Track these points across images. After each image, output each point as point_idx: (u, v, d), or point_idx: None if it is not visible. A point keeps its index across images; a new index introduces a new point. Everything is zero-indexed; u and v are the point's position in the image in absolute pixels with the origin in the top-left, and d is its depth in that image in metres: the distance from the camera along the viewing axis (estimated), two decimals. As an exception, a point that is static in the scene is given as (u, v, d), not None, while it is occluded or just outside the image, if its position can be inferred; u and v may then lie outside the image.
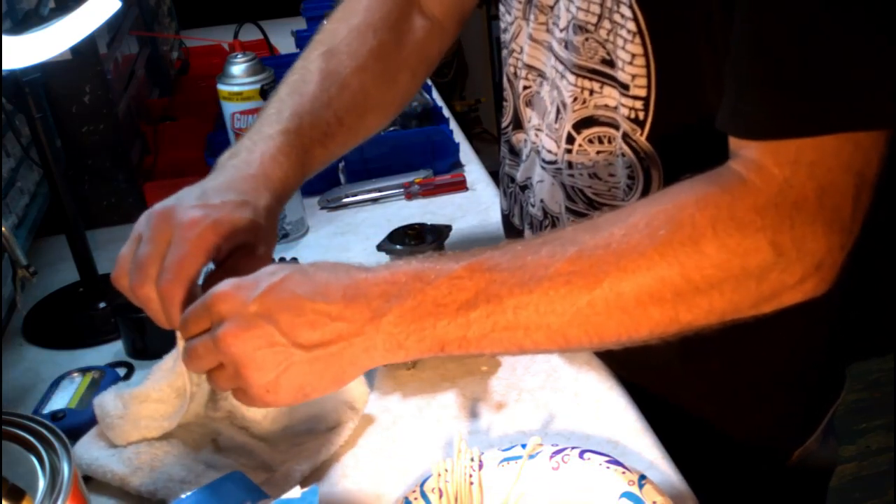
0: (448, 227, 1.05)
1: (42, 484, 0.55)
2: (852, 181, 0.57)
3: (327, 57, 0.86)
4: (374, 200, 1.27)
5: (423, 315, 0.60)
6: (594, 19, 0.70)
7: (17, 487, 0.53)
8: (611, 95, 0.72)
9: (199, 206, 0.68)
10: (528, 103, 0.85)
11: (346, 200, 1.27)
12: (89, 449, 0.78)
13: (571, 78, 0.74)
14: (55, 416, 0.82)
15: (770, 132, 0.58)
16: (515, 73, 0.86)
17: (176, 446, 0.78)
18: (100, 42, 1.19)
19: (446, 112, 1.51)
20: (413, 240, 1.02)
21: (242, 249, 0.72)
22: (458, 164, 1.36)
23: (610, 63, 0.71)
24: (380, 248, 1.04)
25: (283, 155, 0.77)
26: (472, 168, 1.35)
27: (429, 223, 1.05)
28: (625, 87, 0.70)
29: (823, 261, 0.59)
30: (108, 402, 0.79)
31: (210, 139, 1.33)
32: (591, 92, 0.73)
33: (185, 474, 0.76)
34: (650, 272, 0.58)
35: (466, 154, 1.39)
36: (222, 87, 1.10)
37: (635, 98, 0.70)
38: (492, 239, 1.07)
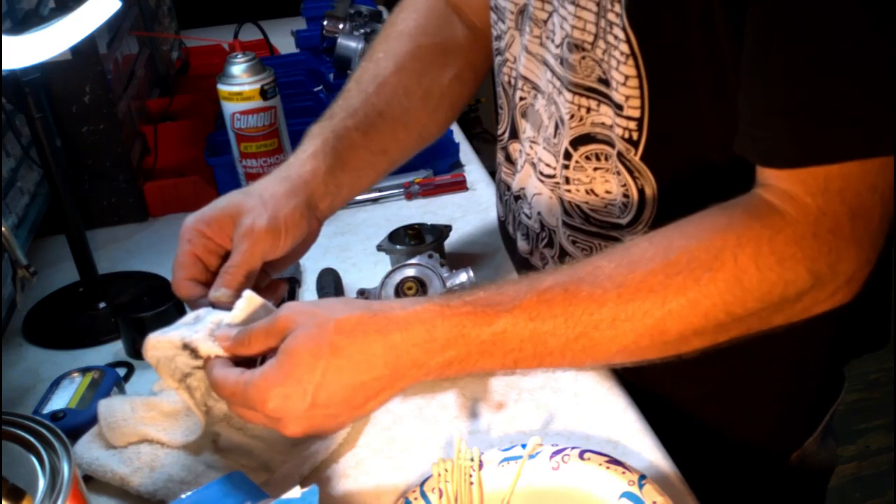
0: (448, 227, 1.05)
1: (42, 484, 0.55)
2: (878, 200, 0.59)
3: (365, 64, 0.90)
4: (374, 200, 1.27)
5: (471, 363, 0.64)
6: (590, 38, 0.70)
7: (17, 487, 0.53)
8: (607, 114, 0.72)
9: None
10: (524, 115, 0.85)
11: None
12: (89, 449, 0.78)
13: (568, 95, 0.74)
14: (55, 416, 0.82)
15: (797, 160, 0.59)
16: (510, 83, 0.86)
17: (176, 447, 0.78)
18: (100, 42, 1.19)
19: (446, 112, 1.51)
20: (413, 240, 1.02)
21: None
22: (458, 164, 1.36)
23: (605, 82, 0.71)
24: (380, 248, 1.04)
25: (313, 155, 0.81)
26: (472, 168, 1.35)
27: (429, 223, 1.05)
28: (619, 107, 0.70)
29: (854, 276, 0.62)
30: (115, 404, 0.79)
31: (210, 139, 1.33)
32: (588, 110, 0.73)
33: (185, 475, 0.76)
34: (695, 310, 0.61)
35: (466, 154, 1.39)
36: (222, 87, 1.10)
37: (629, 118, 0.70)
38: (491, 239, 1.07)
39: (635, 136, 0.70)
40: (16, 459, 0.56)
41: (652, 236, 0.64)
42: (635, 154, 0.71)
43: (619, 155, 0.72)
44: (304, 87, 1.55)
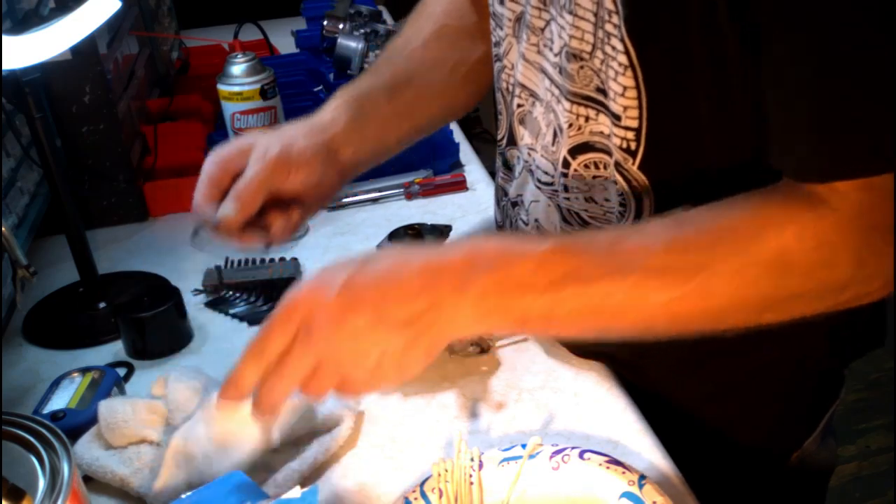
0: (448, 227, 1.05)
1: (42, 484, 0.55)
2: None
3: (393, 41, 0.94)
4: (374, 200, 1.27)
5: (510, 289, 0.61)
6: (588, 48, 0.69)
7: (17, 487, 0.53)
8: (605, 123, 0.72)
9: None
10: (521, 122, 0.84)
11: (346, 200, 1.27)
12: (89, 449, 0.78)
13: (566, 104, 0.74)
14: (55, 416, 0.82)
15: (838, 175, 0.59)
16: (508, 90, 0.86)
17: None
18: (100, 42, 1.19)
19: (446, 112, 1.51)
20: (413, 240, 1.02)
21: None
22: (458, 164, 1.36)
23: (604, 92, 0.70)
24: (380, 248, 1.04)
25: (335, 108, 0.86)
26: (472, 168, 1.35)
27: (429, 223, 1.05)
28: (616, 117, 0.70)
29: (892, 274, 0.61)
30: (116, 405, 0.79)
31: (210, 139, 1.33)
32: (587, 119, 0.73)
33: (185, 475, 0.75)
34: (741, 279, 0.61)
35: (466, 154, 1.39)
36: (222, 87, 1.10)
37: (627, 129, 0.69)
38: (492, 239, 1.07)
39: (633, 146, 0.70)
40: (16, 459, 0.56)
41: (699, 209, 0.64)
42: (633, 164, 0.71)
43: (617, 164, 0.72)
44: (304, 87, 1.55)
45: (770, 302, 0.62)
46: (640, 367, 0.87)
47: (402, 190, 1.27)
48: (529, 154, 0.84)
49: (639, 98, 0.67)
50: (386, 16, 1.95)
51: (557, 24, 0.73)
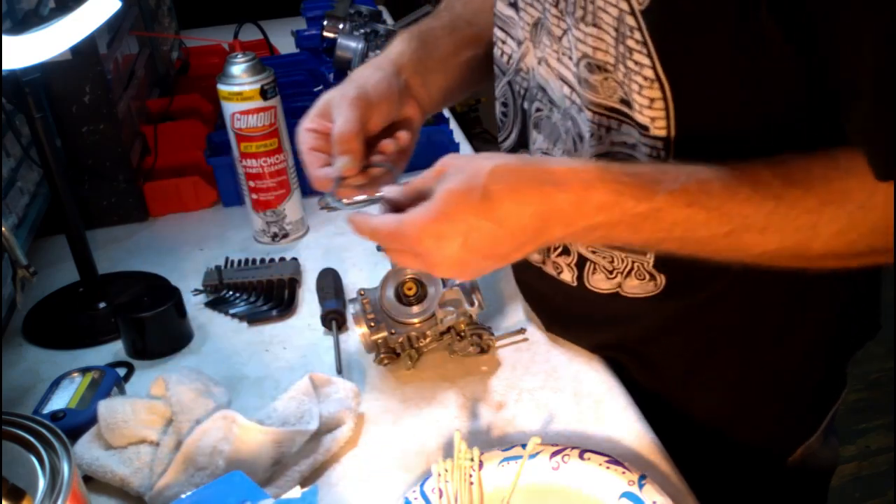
0: (448, 227, 1.05)
1: (42, 484, 0.55)
2: None
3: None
4: (374, 201, 1.27)
5: (618, 234, 0.65)
6: (612, 60, 0.69)
7: (17, 487, 0.53)
8: (629, 134, 0.72)
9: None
10: (537, 126, 0.84)
11: (346, 200, 1.27)
12: (89, 449, 0.78)
13: (588, 114, 0.74)
14: (55, 416, 0.82)
15: None
16: (520, 93, 0.86)
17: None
18: (100, 42, 1.19)
19: (446, 112, 1.51)
20: (413, 240, 1.02)
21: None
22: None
23: (627, 103, 0.70)
24: (380, 248, 1.04)
25: (398, 43, 0.88)
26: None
27: (429, 223, 1.05)
28: (644, 128, 0.70)
29: None
30: (116, 405, 0.79)
31: (210, 139, 1.33)
32: (608, 129, 0.73)
33: (185, 475, 0.76)
34: (842, 239, 0.63)
35: (466, 154, 1.38)
36: (222, 87, 1.10)
37: (655, 138, 0.70)
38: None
39: (662, 154, 0.70)
40: (16, 459, 0.56)
41: (812, 158, 0.64)
42: None
43: None
44: (304, 87, 1.55)
45: (861, 257, 0.64)
46: (640, 367, 0.87)
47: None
48: None
49: (666, 109, 0.68)
50: (386, 16, 1.95)
51: (574, 34, 0.72)
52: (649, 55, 0.66)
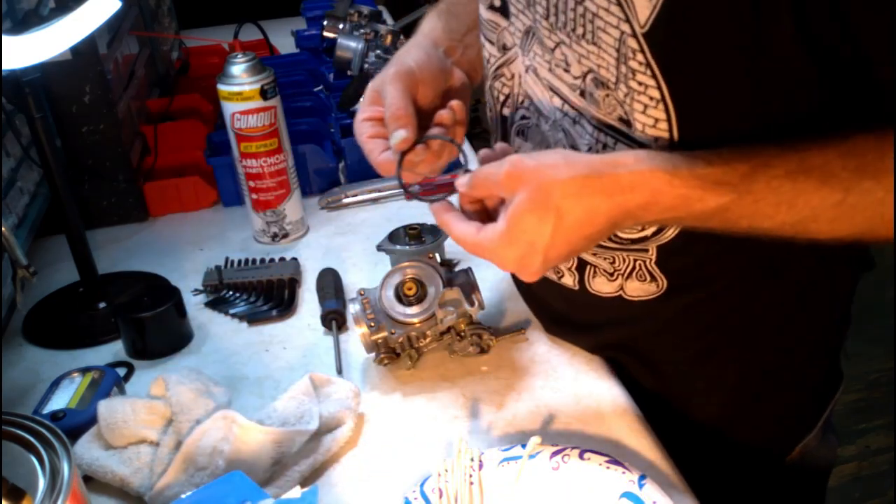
0: (448, 227, 1.05)
1: (42, 484, 0.55)
2: None
3: None
4: (374, 200, 1.27)
5: (686, 225, 0.69)
6: (612, 78, 0.69)
7: (17, 487, 0.53)
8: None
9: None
10: (521, 133, 0.84)
11: (346, 200, 1.27)
12: (89, 449, 0.78)
13: (589, 128, 0.74)
14: (55, 416, 0.82)
15: None
16: (503, 100, 0.86)
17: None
18: (100, 42, 1.19)
19: (446, 112, 1.51)
20: (413, 240, 1.02)
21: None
22: (457, 165, 1.35)
23: (626, 122, 0.70)
24: (380, 248, 1.04)
25: (429, 20, 0.90)
26: (472, 168, 1.34)
27: (428, 223, 1.05)
28: (644, 145, 0.70)
29: None
30: (116, 405, 0.79)
31: (210, 139, 1.33)
32: (605, 146, 0.73)
33: (185, 475, 0.76)
34: None
35: (466, 154, 1.38)
36: (222, 87, 1.10)
37: None
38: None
39: None
40: (16, 459, 0.56)
41: (881, 140, 0.63)
42: None
43: None
44: (304, 87, 1.55)
45: None
46: (639, 366, 0.87)
47: (402, 190, 1.27)
48: None
49: (670, 129, 0.68)
50: (386, 16, 1.95)
51: (575, 51, 0.72)
52: (654, 76, 0.66)
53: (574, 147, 0.77)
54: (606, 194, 0.65)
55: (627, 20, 0.65)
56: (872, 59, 0.61)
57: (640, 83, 0.67)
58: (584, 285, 0.83)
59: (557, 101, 0.77)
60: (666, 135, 0.68)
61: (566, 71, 0.75)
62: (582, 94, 0.74)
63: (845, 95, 0.66)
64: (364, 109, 0.81)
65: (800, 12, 0.60)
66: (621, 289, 0.81)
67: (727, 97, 0.66)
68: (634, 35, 0.65)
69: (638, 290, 0.80)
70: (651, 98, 0.67)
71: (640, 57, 0.66)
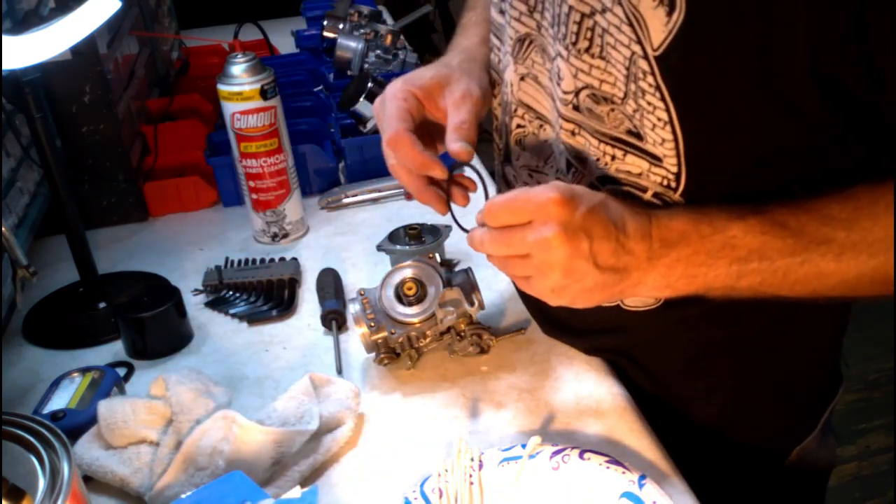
0: (448, 228, 1.05)
1: (42, 484, 0.55)
2: None
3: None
4: (374, 200, 1.27)
5: (698, 264, 0.67)
6: (620, 94, 0.69)
7: (17, 487, 0.53)
8: (634, 163, 0.72)
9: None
10: (519, 142, 0.84)
11: (346, 200, 1.27)
12: (89, 449, 0.78)
13: (594, 141, 0.74)
14: (55, 416, 0.82)
15: None
16: (502, 108, 0.86)
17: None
18: (100, 42, 1.19)
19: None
20: (413, 240, 1.02)
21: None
22: (458, 165, 1.35)
23: (637, 135, 0.70)
24: (380, 248, 1.04)
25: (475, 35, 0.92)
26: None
27: (428, 223, 1.05)
28: (656, 158, 0.70)
29: None
30: (116, 405, 0.79)
31: (210, 139, 1.33)
32: (613, 157, 0.73)
33: (185, 475, 0.76)
34: None
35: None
36: (222, 87, 1.10)
37: (667, 170, 0.70)
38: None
39: (674, 183, 0.71)
40: (16, 459, 0.56)
41: (875, 193, 0.64)
42: (675, 194, 0.71)
43: (658, 195, 0.72)
44: (304, 87, 1.55)
45: None
46: (639, 367, 0.87)
47: (401, 190, 1.27)
48: (531, 176, 0.84)
49: (676, 149, 0.68)
50: (386, 16, 1.95)
51: (571, 64, 0.72)
52: (663, 99, 0.66)
53: (579, 158, 0.77)
54: (624, 204, 0.68)
55: (639, 42, 0.65)
56: (887, 84, 0.60)
57: (648, 103, 0.67)
58: None
59: (556, 114, 0.77)
60: (673, 153, 0.68)
61: (558, 84, 0.75)
62: (576, 108, 0.74)
63: (858, 135, 0.66)
64: (420, 86, 0.79)
65: (815, 50, 0.60)
66: (620, 300, 0.81)
67: (735, 126, 0.66)
68: (646, 57, 0.65)
69: (636, 301, 0.80)
70: (659, 119, 0.67)
71: (650, 79, 0.66)
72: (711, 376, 0.84)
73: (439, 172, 0.77)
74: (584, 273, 0.66)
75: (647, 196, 0.72)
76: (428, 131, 0.82)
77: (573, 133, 0.76)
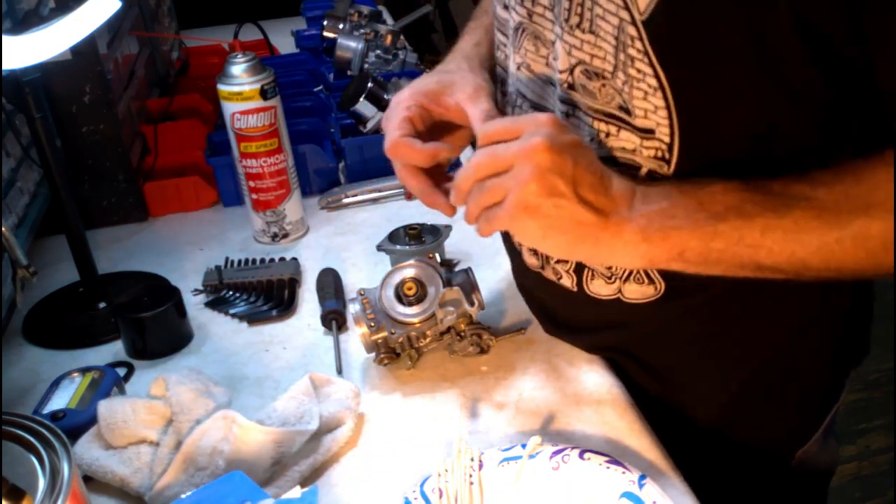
0: (448, 227, 1.05)
1: (42, 484, 0.55)
2: None
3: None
4: (374, 200, 1.27)
5: (673, 216, 0.66)
6: (610, 67, 0.70)
7: (17, 487, 0.53)
8: (628, 139, 0.72)
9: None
10: None
11: (346, 200, 1.27)
12: (89, 449, 0.78)
13: (588, 119, 0.74)
14: (55, 416, 0.82)
15: None
16: (507, 100, 0.86)
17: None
18: (100, 42, 1.19)
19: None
20: (413, 240, 1.02)
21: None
22: (458, 164, 1.36)
23: (626, 110, 0.71)
24: (380, 248, 1.04)
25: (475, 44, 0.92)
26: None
27: (429, 223, 1.05)
28: (649, 131, 0.70)
29: None
30: (116, 405, 0.79)
31: (210, 139, 1.33)
32: (608, 135, 0.73)
33: (185, 475, 0.76)
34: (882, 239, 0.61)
35: (466, 154, 1.38)
36: (222, 87, 1.10)
37: (660, 141, 0.70)
38: (492, 239, 1.07)
39: (667, 155, 0.71)
40: (16, 459, 0.56)
41: (860, 161, 0.64)
42: (668, 169, 0.71)
43: (651, 172, 0.72)
44: (304, 87, 1.55)
45: None
46: (639, 366, 0.87)
47: (401, 190, 1.27)
48: None
49: (669, 117, 0.68)
50: (386, 16, 1.95)
51: (565, 41, 0.72)
52: (651, 64, 0.66)
53: None
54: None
55: (626, 7, 0.66)
56: (875, 58, 0.60)
57: (638, 70, 0.67)
58: (582, 287, 0.83)
59: (561, 92, 0.77)
60: (666, 121, 0.68)
61: (555, 65, 0.75)
62: (571, 87, 0.74)
63: (851, 100, 0.66)
64: (425, 93, 0.81)
65: (798, 5, 0.60)
66: (619, 291, 0.81)
67: (725, 92, 0.66)
68: (633, 23, 0.66)
69: (636, 292, 0.80)
70: (650, 86, 0.67)
71: (638, 45, 0.66)
72: (714, 375, 0.84)
73: (447, 153, 0.78)
74: (561, 195, 0.65)
75: (642, 174, 0.73)
76: (441, 133, 0.83)
77: (567, 115, 0.76)
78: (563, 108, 0.76)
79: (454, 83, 0.81)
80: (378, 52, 1.57)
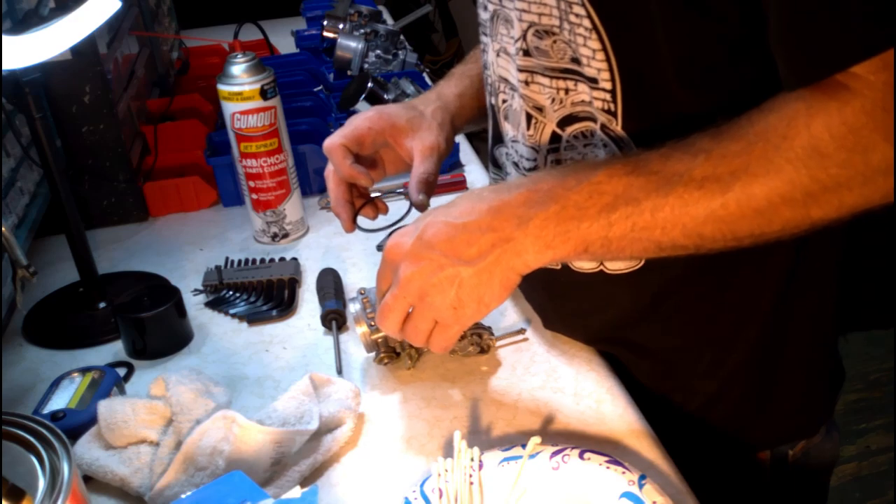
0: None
1: (42, 484, 0.55)
2: None
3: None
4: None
5: (567, 218, 0.67)
6: (557, 21, 0.71)
7: (17, 487, 0.53)
8: (584, 91, 0.73)
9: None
10: (506, 117, 0.85)
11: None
12: (89, 449, 0.78)
13: (545, 80, 0.75)
14: (55, 416, 0.82)
15: (853, 58, 0.58)
16: (490, 90, 0.87)
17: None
18: (100, 42, 1.19)
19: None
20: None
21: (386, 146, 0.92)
22: (458, 164, 1.36)
23: (577, 61, 0.72)
24: (380, 248, 1.04)
25: (447, 86, 0.98)
26: (472, 168, 1.35)
27: (429, 223, 1.05)
28: (593, 80, 0.72)
29: None
30: (116, 405, 0.79)
31: (210, 139, 1.33)
32: (567, 91, 0.75)
33: (185, 475, 0.76)
34: (779, 175, 0.62)
35: (466, 154, 1.39)
36: (222, 87, 1.10)
37: (604, 90, 0.71)
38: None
39: (612, 107, 0.72)
40: (16, 459, 0.56)
41: (738, 118, 0.64)
42: (616, 124, 0.72)
43: (603, 127, 0.74)
44: (304, 87, 1.55)
45: (813, 196, 0.62)
46: (639, 366, 0.87)
47: (402, 190, 1.27)
48: (512, 146, 0.85)
49: (608, 60, 0.69)
50: (386, 16, 1.95)
51: (516, 8, 0.74)
52: (584, 6, 0.68)
53: (537, 107, 0.79)
54: (489, 189, 0.71)
55: None
56: None
57: (576, 15, 0.69)
58: (565, 264, 0.83)
59: (514, 69, 0.79)
60: (605, 65, 0.70)
61: (512, 37, 0.77)
62: (526, 52, 0.76)
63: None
64: (370, 125, 0.89)
65: None
66: (601, 263, 0.81)
67: (657, 35, 0.67)
68: None
69: (617, 263, 0.80)
70: (586, 29, 0.69)
71: None
72: (706, 353, 0.83)
73: (364, 181, 0.89)
74: (456, 274, 0.69)
75: (597, 128, 0.74)
76: (382, 156, 0.94)
77: (527, 83, 0.78)
78: (522, 76, 0.78)
79: (420, 129, 0.89)
80: (378, 52, 1.57)
